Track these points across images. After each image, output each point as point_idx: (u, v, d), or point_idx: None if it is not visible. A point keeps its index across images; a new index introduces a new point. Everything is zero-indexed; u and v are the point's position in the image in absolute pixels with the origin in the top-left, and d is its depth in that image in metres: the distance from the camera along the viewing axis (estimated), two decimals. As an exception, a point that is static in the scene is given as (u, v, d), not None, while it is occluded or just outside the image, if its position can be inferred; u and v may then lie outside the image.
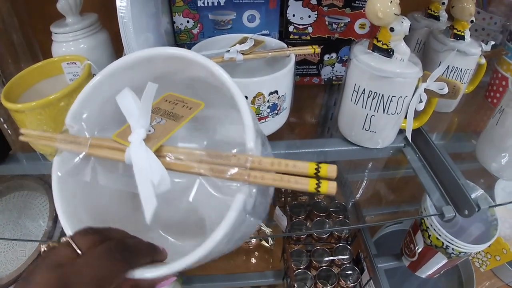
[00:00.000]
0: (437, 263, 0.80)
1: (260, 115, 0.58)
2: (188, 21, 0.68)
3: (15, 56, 0.78)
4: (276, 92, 0.58)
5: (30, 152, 0.64)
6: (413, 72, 0.56)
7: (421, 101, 0.60)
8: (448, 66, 0.70)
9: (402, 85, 0.57)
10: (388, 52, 0.57)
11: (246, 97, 0.56)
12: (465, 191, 0.61)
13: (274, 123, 0.61)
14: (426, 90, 0.59)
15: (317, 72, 0.76)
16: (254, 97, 0.56)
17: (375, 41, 0.58)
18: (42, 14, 0.78)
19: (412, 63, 0.57)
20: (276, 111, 0.60)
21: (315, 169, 0.31)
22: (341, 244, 0.79)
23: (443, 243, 0.76)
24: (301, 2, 0.67)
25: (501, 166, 0.66)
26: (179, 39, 0.69)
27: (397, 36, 0.56)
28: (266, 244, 0.84)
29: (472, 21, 0.69)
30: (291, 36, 0.71)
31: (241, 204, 0.30)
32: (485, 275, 1.06)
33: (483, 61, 0.74)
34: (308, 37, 0.71)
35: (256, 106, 0.57)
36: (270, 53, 0.61)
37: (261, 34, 0.69)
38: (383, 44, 0.57)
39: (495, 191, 0.84)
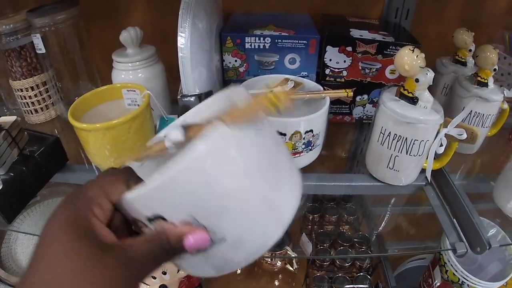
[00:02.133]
0: (454, 297, 0.94)
1: (295, 150, 0.74)
2: (236, 60, 0.85)
3: (74, 75, 0.95)
4: (311, 131, 0.74)
5: (85, 164, 0.79)
6: (435, 119, 0.71)
7: (441, 145, 0.75)
8: (471, 111, 0.85)
9: (424, 130, 0.71)
10: (413, 100, 0.72)
11: (285, 134, 0.72)
12: (478, 229, 0.75)
13: (308, 158, 0.77)
14: (446, 135, 0.74)
15: (349, 111, 0.91)
16: (292, 135, 0.72)
17: (401, 89, 0.73)
18: (101, 41, 0.96)
19: (434, 111, 0.72)
20: (310, 147, 0.76)
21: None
22: (361, 274, 0.94)
23: (459, 279, 0.89)
24: (338, 48, 0.83)
25: (513, 207, 0.80)
26: (227, 75, 0.86)
27: (421, 86, 0.71)
28: (290, 268, 0.99)
29: (495, 69, 0.84)
30: (327, 78, 0.87)
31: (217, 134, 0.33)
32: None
33: (506, 106, 0.89)
34: (343, 80, 0.87)
35: (292, 143, 0.73)
36: (307, 95, 0.78)
37: (301, 75, 0.86)
38: (408, 93, 0.72)
39: None
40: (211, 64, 0.81)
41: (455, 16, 1.05)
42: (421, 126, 0.71)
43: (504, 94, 0.85)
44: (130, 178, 0.37)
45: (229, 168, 0.33)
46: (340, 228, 1.00)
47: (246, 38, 0.82)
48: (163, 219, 0.34)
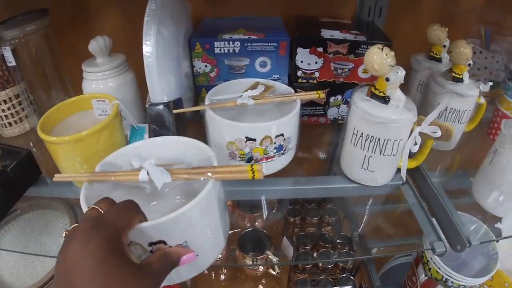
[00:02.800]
0: (439, 295, 0.89)
1: (267, 155, 0.69)
2: (206, 66, 0.79)
3: (46, 87, 0.90)
4: (282, 135, 0.68)
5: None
6: (407, 118, 0.65)
7: (416, 144, 0.70)
8: (447, 107, 0.80)
9: (396, 130, 0.66)
10: (384, 99, 0.67)
11: (255, 139, 0.67)
12: (457, 227, 0.70)
13: (280, 162, 0.72)
14: (420, 134, 0.69)
15: (323, 112, 0.86)
16: (262, 140, 0.66)
17: (373, 89, 0.67)
18: (73, 51, 0.91)
19: (407, 109, 0.66)
20: (282, 152, 0.70)
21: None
22: (344, 275, 0.89)
23: (442, 276, 0.84)
24: (309, 50, 0.78)
25: (494, 204, 0.74)
26: (198, 81, 0.81)
27: (392, 85, 0.65)
28: (273, 272, 0.94)
29: (469, 64, 0.79)
30: (299, 80, 0.81)
31: (210, 186, 0.47)
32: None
33: (482, 100, 0.83)
34: (315, 81, 0.81)
35: (263, 147, 0.67)
36: (278, 99, 0.72)
37: (272, 78, 0.80)
38: (380, 92, 0.66)
39: (503, 225, 0.92)
40: (180, 71, 0.76)
41: (429, 12, 0.99)
42: (393, 125, 0.65)
43: (479, 89, 0.80)
44: (140, 209, 0.43)
45: (212, 210, 0.50)
46: (322, 230, 0.95)
47: (215, 42, 0.77)
48: (164, 243, 0.44)
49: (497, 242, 0.88)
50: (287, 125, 0.68)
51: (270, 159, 0.70)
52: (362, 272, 0.98)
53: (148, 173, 0.50)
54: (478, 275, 0.88)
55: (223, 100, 0.72)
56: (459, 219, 0.71)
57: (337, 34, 0.79)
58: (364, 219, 0.94)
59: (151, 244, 0.44)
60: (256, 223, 0.93)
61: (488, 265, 0.89)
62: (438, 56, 0.87)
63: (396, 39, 0.92)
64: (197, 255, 0.46)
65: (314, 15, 0.91)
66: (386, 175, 0.73)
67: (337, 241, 0.91)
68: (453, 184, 0.82)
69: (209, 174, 0.49)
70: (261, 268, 0.87)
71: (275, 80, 0.80)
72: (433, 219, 0.72)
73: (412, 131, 0.68)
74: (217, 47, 0.77)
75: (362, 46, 0.78)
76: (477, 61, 0.95)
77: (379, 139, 0.67)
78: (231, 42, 0.77)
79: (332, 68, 0.80)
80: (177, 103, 0.74)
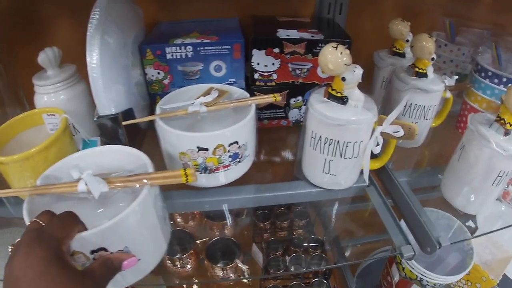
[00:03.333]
0: (415, 294, 0.83)
1: (221, 164, 0.62)
2: (159, 73, 0.72)
3: (0, 101, 0.83)
4: (236, 142, 0.61)
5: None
6: (366, 119, 0.59)
7: (378, 145, 0.63)
8: (411, 104, 0.74)
9: (356, 131, 0.59)
10: (342, 100, 0.60)
11: (207, 149, 0.60)
12: (426, 229, 0.64)
13: (237, 170, 0.65)
14: (382, 133, 0.63)
15: (284, 115, 0.79)
16: (215, 149, 0.60)
17: (329, 90, 0.61)
18: (27, 64, 0.83)
19: (366, 109, 0.60)
20: (238, 159, 0.64)
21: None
22: (317, 279, 0.83)
23: (417, 276, 0.78)
24: (264, 51, 0.71)
25: (464, 202, 0.68)
26: (152, 89, 0.74)
27: (349, 84, 0.59)
28: (245, 280, 0.88)
29: (433, 59, 0.72)
30: (257, 83, 0.74)
31: (145, 193, 0.46)
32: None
33: (449, 95, 0.77)
34: (273, 83, 0.75)
35: (217, 157, 0.61)
36: (232, 104, 0.65)
37: (228, 83, 0.74)
38: (337, 93, 0.60)
39: (478, 219, 0.86)
40: (130, 80, 0.69)
41: (392, 7, 0.93)
42: (352, 127, 0.59)
43: (445, 83, 0.73)
44: (78, 220, 0.42)
45: (149, 215, 0.49)
46: (294, 233, 0.89)
47: (167, 48, 0.70)
48: (105, 250, 0.44)
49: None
50: (241, 131, 0.61)
51: (226, 168, 0.63)
52: (336, 274, 0.92)
53: (86, 184, 0.49)
54: (454, 271, 0.83)
55: (175, 109, 0.66)
56: (428, 220, 0.65)
57: (293, 34, 0.73)
58: (336, 219, 0.88)
59: (92, 251, 0.43)
60: (226, 231, 0.86)
61: (464, 261, 0.83)
62: (401, 51, 0.81)
63: (359, 36, 0.86)
64: (139, 259, 0.46)
65: (273, 14, 0.84)
66: (349, 178, 0.67)
67: (308, 244, 0.84)
68: (422, 182, 0.76)
69: (144, 181, 0.48)
70: (232, 276, 0.81)
71: (231, 84, 0.74)
72: (401, 222, 0.66)
73: (373, 131, 0.62)
74: (169, 53, 0.70)
75: (320, 45, 0.72)
76: (442, 54, 0.89)
77: (338, 141, 0.61)
78: (183, 47, 0.70)
79: (290, 69, 0.74)
80: (128, 113, 0.67)
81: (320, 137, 0.62)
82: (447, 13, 0.89)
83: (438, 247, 0.62)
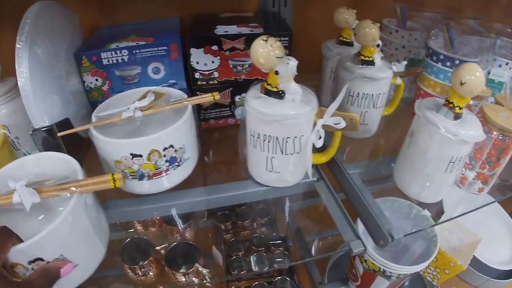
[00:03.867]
0: (380, 285, 0.78)
1: (159, 170, 0.57)
2: (97, 79, 0.67)
3: None
4: (172, 146, 0.57)
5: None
6: (304, 112, 0.54)
7: (320, 138, 0.58)
8: (359, 93, 0.68)
9: (294, 126, 0.54)
10: (279, 95, 0.55)
11: (141, 155, 0.55)
12: (377, 221, 0.59)
13: (178, 175, 0.60)
14: (324, 126, 0.58)
15: (230, 113, 0.74)
16: (149, 154, 0.54)
17: (265, 85, 0.55)
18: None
19: (304, 103, 0.55)
20: (177, 163, 0.58)
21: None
22: (280, 278, 0.77)
23: (379, 267, 0.73)
24: (202, 49, 0.65)
25: (417, 190, 0.63)
26: (91, 97, 0.68)
27: (284, 78, 0.54)
28: (208, 284, 0.83)
29: (378, 45, 0.67)
30: (199, 83, 0.69)
31: (74, 201, 0.45)
32: (452, 281, 1.02)
33: (399, 81, 0.71)
34: (216, 82, 0.69)
35: (152, 162, 0.56)
36: (167, 107, 0.60)
37: (168, 84, 0.68)
38: (273, 87, 0.55)
39: (444, 203, 0.81)
40: (65, 89, 0.64)
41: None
42: (289, 122, 0.54)
43: (393, 70, 0.68)
44: (12, 233, 0.42)
45: (81, 221, 0.47)
46: (257, 232, 0.83)
47: (102, 54, 0.65)
48: (42, 259, 0.43)
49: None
50: (175, 135, 0.56)
51: (164, 173, 0.58)
52: (302, 270, 0.86)
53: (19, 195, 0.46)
54: (421, 259, 0.78)
55: (110, 116, 0.60)
56: (379, 213, 0.60)
57: (232, 29, 0.67)
58: (299, 214, 0.83)
59: (30, 262, 0.43)
60: (187, 235, 0.81)
61: (429, 249, 0.78)
62: (348, 40, 0.75)
63: (307, 27, 0.80)
64: (76, 265, 0.46)
65: (216, 11, 0.78)
66: (295, 174, 0.62)
67: (271, 242, 0.79)
68: (376, 173, 0.71)
69: (73, 188, 0.47)
70: (195, 280, 0.76)
71: (171, 85, 0.68)
72: (349, 217, 0.60)
73: (315, 124, 0.57)
74: (105, 58, 0.65)
75: (260, 39, 0.66)
76: (393, 41, 0.83)
77: (277, 138, 0.56)
78: (118, 51, 0.65)
79: (231, 66, 0.68)
80: (64, 124, 0.62)
81: (259, 134, 0.56)
82: (399, -1, 0.83)
83: (390, 239, 0.57)
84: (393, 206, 0.81)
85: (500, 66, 0.75)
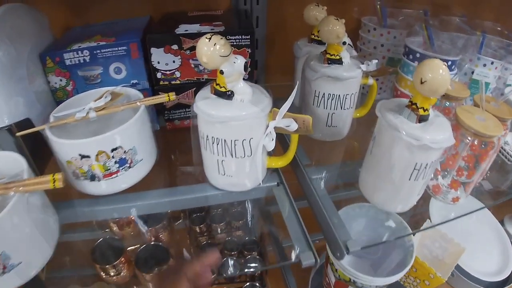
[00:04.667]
0: (353, 295, 0.70)
1: (108, 171, 0.52)
2: (61, 80, 0.63)
3: None
4: (120, 147, 0.52)
5: None
6: (251, 113, 0.47)
7: (272, 140, 0.52)
8: (324, 93, 0.61)
9: (241, 128, 0.48)
10: (227, 95, 0.49)
11: (89, 156, 0.51)
12: (335, 233, 0.52)
13: (130, 176, 0.54)
14: (276, 128, 0.51)
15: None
16: (96, 155, 0.50)
17: (214, 85, 0.50)
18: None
19: (253, 103, 0.49)
20: (128, 165, 0.53)
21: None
22: (248, 284, 0.71)
23: (349, 278, 0.65)
24: (163, 49, 0.60)
25: (381, 198, 0.55)
26: (57, 97, 0.64)
27: (231, 77, 0.48)
28: None
29: (344, 43, 0.59)
30: (161, 83, 0.63)
31: (14, 201, 0.42)
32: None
33: (371, 81, 0.63)
34: (178, 82, 0.63)
35: (101, 163, 0.51)
36: (121, 107, 0.55)
37: (130, 84, 0.63)
38: (221, 87, 0.49)
39: (430, 211, 0.72)
40: (29, 91, 0.60)
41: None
42: (235, 124, 0.48)
43: (361, 69, 0.60)
44: None
45: (24, 221, 0.45)
46: (233, 235, 0.77)
47: (65, 54, 0.61)
48: None
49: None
50: (124, 136, 0.51)
51: (115, 175, 0.53)
52: (277, 276, 0.79)
53: None
54: (398, 267, 0.69)
55: (66, 116, 0.56)
56: (338, 223, 0.53)
57: (193, 28, 0.62)
58: (275, 218, 0.76)
59: None
60: (161, 236, 0.76)
61: (405, 258, 0.69)
62: (319, 39, 0.68)
63: (281, 25, 0.74)
64: (20, 262, 0.44)
65: (187, 10, 0.72)
66: (251, 178, 0.55)
67: (242, 246, 0.73)
68: (343, 178, 0.63)
69: (14, 188, 0.44)
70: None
71: (133, 85, 0.63)
72: (303, 226, 0.53)
73: (267, 126, 0.50)
74: (67, 59, 0.61)
75: (220, 38, 0.60)
76: (372, 39, 0.75)
77: (225, 140, 0.49)
78: (80, 52, 0.61)
79: (193, 66, 0.63)
80: (24, 124, 0.58)
81: (207, 136, 0.50)
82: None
83: (346, 252, 0.50)
84: (370, 213, 0.73)
85: (484, 65, 0.66)
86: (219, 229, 0.77)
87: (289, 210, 0.55)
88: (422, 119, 0.48)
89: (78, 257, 0.76)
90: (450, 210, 0.64)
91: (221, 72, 0.47)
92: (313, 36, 0.68)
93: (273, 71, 0.79)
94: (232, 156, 0.51)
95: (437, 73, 0.44)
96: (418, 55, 0.63)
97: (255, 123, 0.49)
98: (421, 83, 0.45)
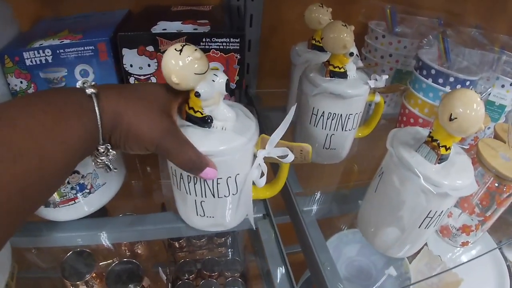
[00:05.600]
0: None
1: (65, 198, 0.41)
2: (21, 82, 0.50)
3: None
4: (76, 172, 0.40)
5: None
6: (236, 146, 0.35)
7: (263, 175, 0.39)
8: (323, 112, 0.48)
9: (225, 165, 0.35)
10: (204, 121, 0.36)
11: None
12: (324, 275, 0.41)
13: (91, 202, 0.43)
14: (266, 158, 0.39)
15: None
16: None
17: (187, 108, 0.35)
18: None
19: (237, 133, 0.36)
20: (87, 190, 0.42)
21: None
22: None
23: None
24: (136, 50, 0.47)
25: (383, 243, 0.44)
26: (17, 100, 0.52)
27: (209, 100, 0.35)
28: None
29: (351, 54, 0.47)
30: (135, 89, 0.51)
31: None
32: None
33: (378, 99, 0.51)
34: None
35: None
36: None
37: (99, 90, 0.51)
38: (196, 112, 0.35)
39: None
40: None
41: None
42: (220, 160, 0.35)
43: (369, 85, 0.48)
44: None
45: None
46: (215, 251, 0.66)
47: (24, 53, 0.47)
48: None
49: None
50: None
51: (72, 201, 0.42)
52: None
53: None
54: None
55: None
56: (329, 262, 0.42)
57: (173, 27, 0.48)
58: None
59: None
60: (138, 251, 0.65)
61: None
62: (320, 45, 0.55)
63: (278, 26, 0.60)
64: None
65: (170, 4, 0.58)
66: (236, 217, 0.43)
67: (223, 266, 0.62)
68: (340, 209, 0.51)
69: None
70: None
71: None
72: (288, 268, 0.42)
73: (255, 156, 0.38)
74: (28, 58, 0.48)
75: (205, 40, 0.47)
76: (380, 48, 0.62)
77: (205, 180, 0.37)
78: (41, 51, 0.47)
79: (171, 72, 0.50)
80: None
81: (181, 175, 0.38)
82: (391, -1, 0.61)
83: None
84: (364, 240, 0.61)
85: (503, 86, 0.54)
86: (199, 245, 0.65)
87: (273, 250, 0.43)
88: (442, 158, 0.36)
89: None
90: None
91: (197, 95, 0.34)
92: (314, 41, 0.55)
93: (265, 76, 0.66)
94: (214, 196, 0.38)
95: (470, 109, 0.32)
96: (433, 71, 0.51)
97: (242, 156, 0.37)
98: (450, 120, 0.32)
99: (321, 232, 0.46)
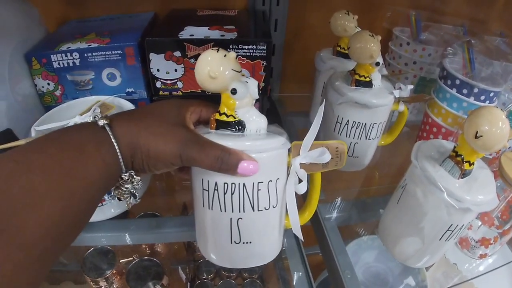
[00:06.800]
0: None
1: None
2: (48, 84, 0.52)
3: None
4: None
5: None
6: (276, 142, 0.33)
7: (301, 181, 0.36)
8: (348, 120, 0.49)
9: (266, 163, 0.33)
10: (238, 126, 0.35)
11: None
12: (343, 281, 0.42)
13: (117, 205, 0.45)
14: (302, 166, 0.37)
15: None
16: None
17: (217, 116, 0.34)
18: None
19: (271, 135, 0.36)
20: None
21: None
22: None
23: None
24: (163, 55, 0.49)
25: (403, 253, 0.45)
26: (44, 101, 0.54)
27: (243, 101, 0.33)
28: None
29: (377, 64, 0.48)
30: (161, 93, 0.52)
31: None
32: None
33: (402, 108, 0.52)
34: (180, 93, 0.52)
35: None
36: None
37: (126, 93, 0.52)
38: (228, 116, 0.37)
39: None
40: (13, 94, 0.49)
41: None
42: (262, 157, 0.32)
43: (394, 95, 0.48)
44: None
45: None
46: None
47: (52, 56, 0.50)
48: None
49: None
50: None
51: (100, 204, 0.44)
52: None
53: None
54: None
55: (49, 130, 0.45)
56: (350, 273, 0.43)
57: (201, 32, 0.50)
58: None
59: None
60: (158, 249, 0.67)
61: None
62: (346, 52, 0.55)
63: (303, 32, 0.61)
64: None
65: (196, 7, 0.60)
66: (275, 244, 0.39)
67: (244, 268, 0.64)
68: (361, 216, 0.52)
69: None
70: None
71: (129, 94, 0.52)
72: (310, 276, 0.43)
73: (288, 166, 0.36)
74: (55, 61, 0.50)
75: (232, 46, 0.48)
76: (404, 55, 0.63)
77: (244, 184, 0.33)
78: (69, 54, 0.50)
79: (198, 77, 0.51)
80: (4, 135, 0.48)
81: (216, 184, 0.34)
82: (415, 4, 0.62)
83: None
84: (382, 246, 0.62)
85: (527, 97, 0.54)
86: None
87: (294, 253, 0.45)
88: (465, 173, 0.37)
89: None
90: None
91: (233, 92, 0.33)
92: (338, 48, 0.56)
93: (289, 80, 0.67)
94: (254, 209, 0.35)
95: (496, 127, 0.33)
96: (457, 81, 0.51)
97: (281, 157, 0.35)
98: (476, 137, 0.33)
99: (341, 237, 0.47)
